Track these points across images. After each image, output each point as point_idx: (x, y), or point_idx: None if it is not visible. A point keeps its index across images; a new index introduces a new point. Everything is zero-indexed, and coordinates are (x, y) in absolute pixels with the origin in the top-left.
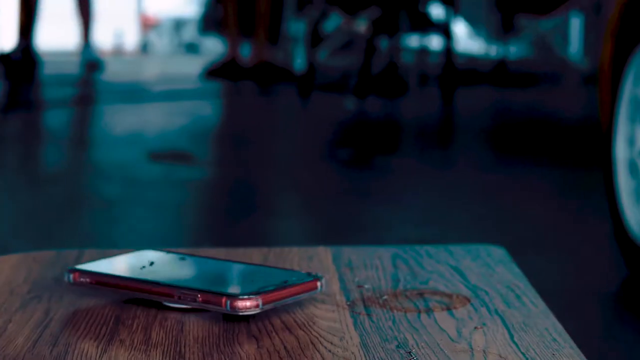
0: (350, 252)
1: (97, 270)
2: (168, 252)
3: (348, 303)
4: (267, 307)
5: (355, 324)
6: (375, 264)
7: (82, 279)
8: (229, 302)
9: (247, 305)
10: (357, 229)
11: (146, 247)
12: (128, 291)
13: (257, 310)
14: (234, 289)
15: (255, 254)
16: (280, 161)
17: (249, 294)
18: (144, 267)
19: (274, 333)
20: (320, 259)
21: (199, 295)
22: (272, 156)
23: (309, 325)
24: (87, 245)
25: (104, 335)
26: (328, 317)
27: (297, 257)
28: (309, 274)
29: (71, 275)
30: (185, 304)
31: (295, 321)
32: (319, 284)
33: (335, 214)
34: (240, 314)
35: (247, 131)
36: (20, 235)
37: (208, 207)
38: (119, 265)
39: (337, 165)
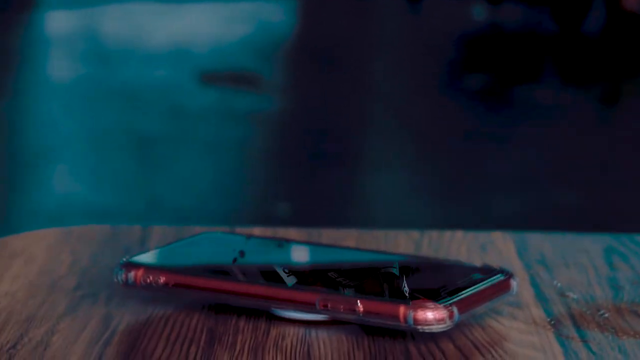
0: (540, 242)
1: (168, 264)
2: (249, 236)
3: (550, 321)
4: (463, 317)
5: (566, 354)
6: (580, 260)
7: (149, 279)
8: (411, 313)
9: (438, 317)
10: (492, 191)
11: (199, 207)
12: (225, 295)
13: (451, 325)
14: (408, 294)
15: (401, 239)
16: (379, 90)
17: (438, 301)
18: (235, 259)
19: None
20: (498, 249)
21: (359, 304)
22: (368, 83)
23: (496, 353)
24: (122, 197)
25: (195, 358)
26: (524, 342)
27: (461, 246)
28: (494, 269)
29: (131, 274)
30: (330, 315)
31: (474, 344)
32: (512, 283)
33: (459, 168)
34: (428, 330)
35: (333, 46)
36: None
37: (277, 149)
38: (197, 256)
39: (461, 98)
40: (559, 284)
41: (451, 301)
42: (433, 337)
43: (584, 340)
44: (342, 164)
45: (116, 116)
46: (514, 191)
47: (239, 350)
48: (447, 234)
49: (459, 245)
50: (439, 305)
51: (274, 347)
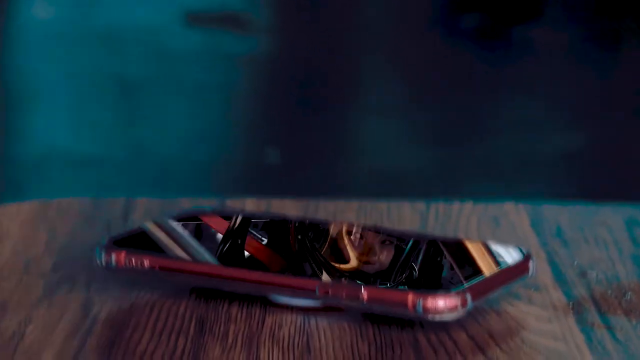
0: (556, 213)
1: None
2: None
3: (571, 305)
4: (477, 304)
5: (589, 344)
6: (600, 234)
7: (132, 261)
8: (420, 301)
9: (450, 305)
10: (491, 135)
11: (184, 154)
12: (216, 280)
13: (463, 313)
14: (415, 279)
15: (405, 211)
16: (372, 31)
17: (450, 287)
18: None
19: (455, 353)
20: (511, 221)
21: (364, 290)
22: (360, 23)
23: (513, 343)
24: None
25: (183, 352)
26: (543, 331)
27: (471, 218)
28: (515, 247)
29: (113, 256)
30: (331, 303)
31: (489, 333)
32: (530, 264)
33: (454, 112)
34: (439, 319)
35: None
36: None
37: (265, 93)
38: (187, 238)
39: (455, 38)
40: (577, 262)
41: (464, 287)
42: (444, 325)
43: (609, 327)
44: (333, 108)
45: (97, 60)
46: (513, 136)
47: (232, 342)
48: (456, 205)
49: (468, 218)
50: (450, 292)
51: (269, 337)
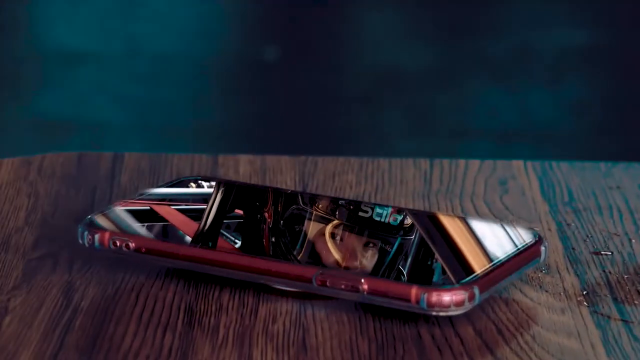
0: (567, 175)
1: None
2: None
3: (585, 292)
4: (484, 297)
5: (605, 343)
6: (614, 200)
7: (118, 243)
8: (424, 295)
9: (456, 299)
10: (490, 32)
11: (180, 50)
12: (207, 266)
13: (469, 307)
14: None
15: (408, 171)
16: None
17: (457, 280)
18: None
19: (462, 353)
20: (520, 185)
21: (363, 282)
22: None
23: (523, 340)
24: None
25: (170, 352)
26: (556, 325)
27: (477, 180)
28: (525, 228)
29: (97, 236)
30: (328, 293)
31: (497, 327)
32: (541, 249)
33: (456, 7)
34: (444, 314)
35: None
36: None
37: None
38: (177, 216)
39: None
40: (590, 238)
41: (472, 280)
42: (450, 318)
43: (625, 320)
44: (332, 3)
45: None
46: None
47: (223, 337)
48: (461, 164)
49: (474, 180)
50: (457, 286)
51: (263, 332)
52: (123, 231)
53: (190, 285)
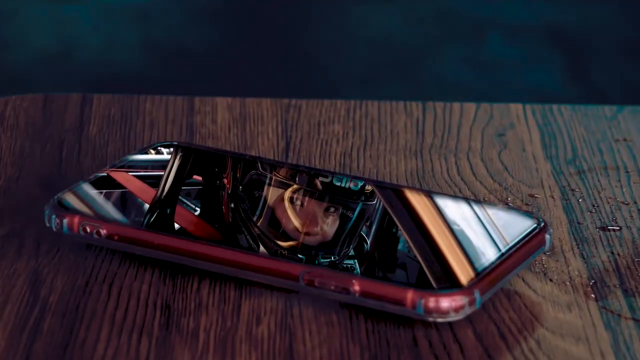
0: (570, 122)
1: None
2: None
3: (591, 281)
4: (485, 299)
5: (615, 350)
6: (621, 157)
7: (88, 228)
8: (421, 301)
9: (455, 305)
10: None
11: None
12: (185, 258)
13: (470, 311)
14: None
15: (399, 119)
16: None
17: (455, 283)
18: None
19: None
20: (519, 137)
21: (355, 282)
22: None
23: (527, 346)
24: None
25: (148, 359)
26: (562, 327)
27: (473, 131)
28: (526, 214)
29: (66, 221)
30: (316, 293)
31: (498, 329)
32: (547, 237)
33: None
34: (442, 320)
35: None
36: None
37: None
38: (135, 182)
39: None
40: (596, 208)
41: (473, 283)
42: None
43: (635, 319)
44: None
45: None
46: None
47: (203, 344)
48: (456, 109)
49: (470, 132)
50: (456, 290)
51: (246, 336)
52: (94, 214)
53: (167, 276)
